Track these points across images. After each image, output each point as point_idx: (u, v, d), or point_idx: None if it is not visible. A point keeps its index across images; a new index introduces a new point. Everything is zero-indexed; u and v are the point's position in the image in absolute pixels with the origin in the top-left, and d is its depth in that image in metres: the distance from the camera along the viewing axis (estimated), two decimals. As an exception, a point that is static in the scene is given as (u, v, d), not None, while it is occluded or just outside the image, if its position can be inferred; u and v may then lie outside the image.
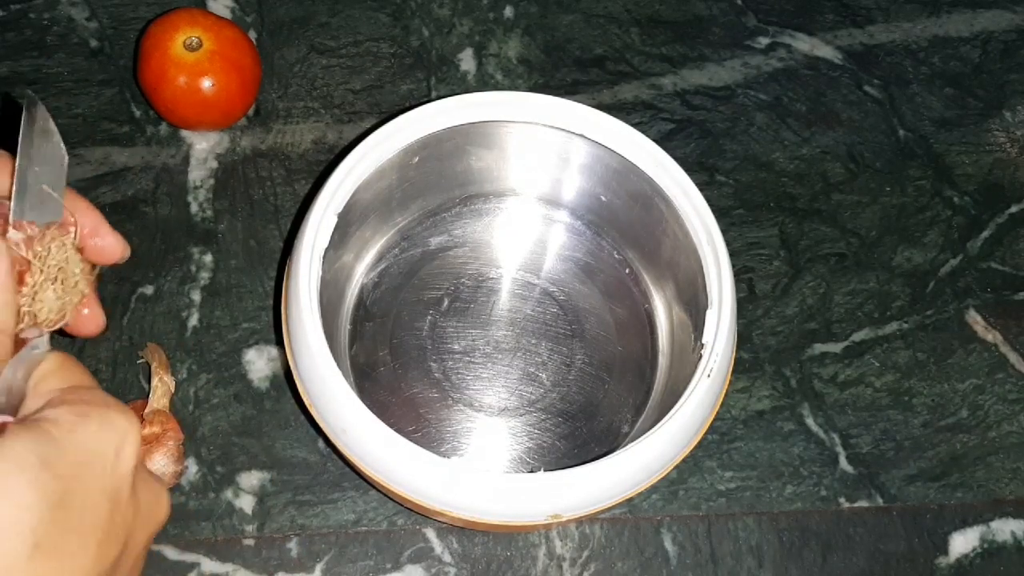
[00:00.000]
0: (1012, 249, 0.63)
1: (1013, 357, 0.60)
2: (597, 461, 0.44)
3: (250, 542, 0.52)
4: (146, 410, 0.51)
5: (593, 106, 0.52)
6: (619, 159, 0.52)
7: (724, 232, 0.50)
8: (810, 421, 0.57)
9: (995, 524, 0.56)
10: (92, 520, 0.31)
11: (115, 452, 0.32)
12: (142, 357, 0.54)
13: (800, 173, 0.64)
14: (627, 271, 0.58)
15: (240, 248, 0.59)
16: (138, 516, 0.33)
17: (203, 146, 0.61)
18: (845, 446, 0.57)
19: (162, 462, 0.49)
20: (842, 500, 0.55)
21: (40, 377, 0.34)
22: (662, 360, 0.55)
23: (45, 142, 0.36)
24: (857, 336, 0.60)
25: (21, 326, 0.35)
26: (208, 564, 0.52)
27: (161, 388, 0.52)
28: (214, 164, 0.61)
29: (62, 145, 0.37)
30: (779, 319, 0.60)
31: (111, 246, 0.39)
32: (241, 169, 0.61)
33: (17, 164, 0.35)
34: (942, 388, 0.58)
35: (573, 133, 0.53)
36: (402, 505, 0.51)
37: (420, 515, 0.52)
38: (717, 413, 0.48)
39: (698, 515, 0.55)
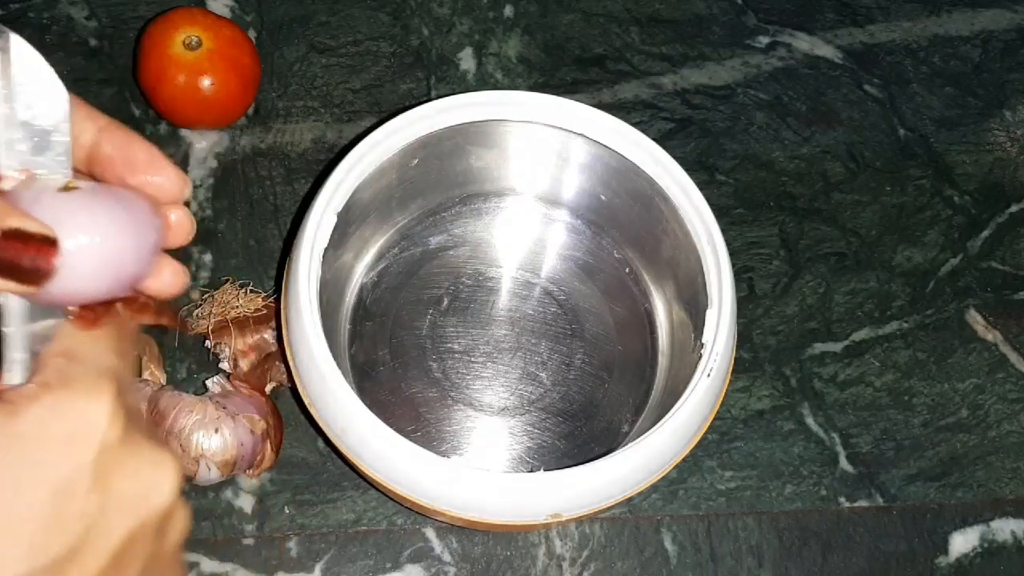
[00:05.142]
0: (1012, 248, 0.63)
1: (1013, 356, 0.60)
2: (597, 461, 0.44)
3: (249, 541, 0.52)
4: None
5: (593, 105, 0.52)
6: (619, 158, 0.52)
7: (724, 231, 0.50)
8: (810, 421, 0.57)
9: (995, 524, 0.56)
10: (24, 513, 0.29)
11: (66, 438, 0.29)
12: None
13: (800, 172, 0.64)
14: (627, 270, 0.58)
15: (240, 247, 0.59)
16: (108, 507, 0.31)
17: (202, 145, 0.61)
18: (845, 446, 0.57)
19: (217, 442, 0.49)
20: (842, 500, 0.55)
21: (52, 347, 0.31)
22: (662, 359, 0.55)
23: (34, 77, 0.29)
24: (857, 336, 0.60)
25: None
26: (207, 564, 0.51)
27: (151, 381, 0.52)
28: (213, 163, 0.61)
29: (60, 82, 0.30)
30: (779, 318, 0.60)
31: (169, 183, 0.33)
32: (240, 168, 0.61)
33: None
34: (942, 388, 0.58)
35: (573, 132, 0.53)
36: (402, 504, 0.51)
37: (420, 514, 0.52)
38: (717, 413, 0.48)
39: (698, 515, 0.55)
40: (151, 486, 0.31)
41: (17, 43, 0.30)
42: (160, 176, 0.32)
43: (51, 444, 0.29)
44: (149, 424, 0.33)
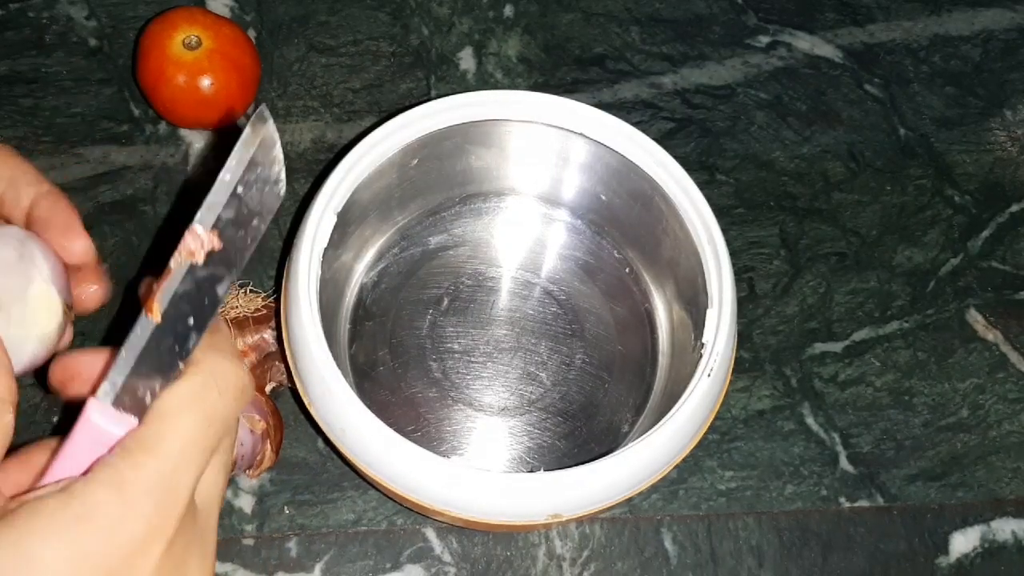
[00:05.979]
0: (1013, 248, 0.63)
1: (1014, 356, 0.60)
2: (597, 461, 0.44)
3: (249, 542, 0.52)
4: None
5: (593, 105, 0.52)
6: (619, 158, 0.52)
7: (724, 231, 0.49)
8: (810, 420, 0.57)
9: (995, 524, 0.56)
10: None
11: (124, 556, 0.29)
12: None
13: (800, 172, 0.64)
14: (627, 270, 0.57)
15: (239, 247, 0.59)
16: None
17: (202, 145, 0.61)
18: (845, 445, 0.57)
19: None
20: (842, 500, 0.55)
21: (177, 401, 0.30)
22: (662, 359, 0.55)
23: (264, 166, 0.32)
24: (858, 335, 0.59)
25: None
26: (207, 564, 0.51)
27: None
28: (213, 163, 0.61)
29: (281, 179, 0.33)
30: (779, 318, 0.60)
31: (80, 250, 0.38)
32: (240, 168, 0.61)
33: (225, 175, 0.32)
34: (943, 387, 0.58)
35: (573, 132, 0.53)
36: (402, 505, 0.51)
37: (420, 515, 0.52)
38: (717, 413, 0.48)
39: (698, 515, 0.54)
40: None
41: (271, 130, 0.32)
42: (72, 242, 0.38)
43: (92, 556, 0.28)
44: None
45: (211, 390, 0.31)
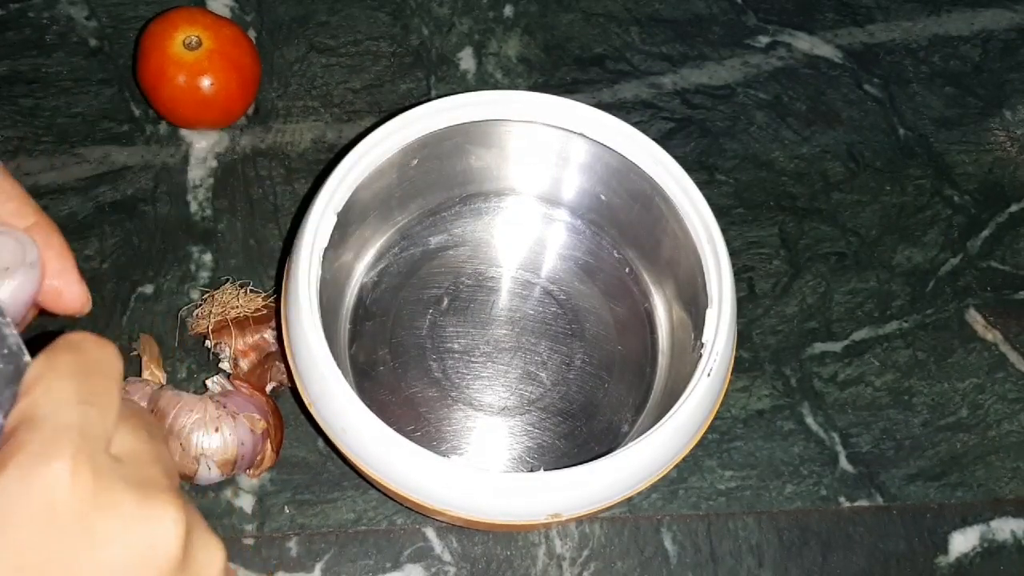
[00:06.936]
0: (1012, 248, 0.63)
1: (1013, 356, 0.60)
2: (597, 460, 0.44)
3: (250, 541, 0.52)
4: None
5: (593, 105, 0.52)
6: (619, 158, 0.52)
7: (724, 231, 0.50)
8: (810, 420, 0.57)
9: (995, 523, 0.56)
10: None
11: (28, 517, 0.26)
12: (135, 350, 0.54)
13: (800, 172, 0.64)
14: (627, 270, 0.58)
15: (240, 247, 0.59)
16: None
17: (203, 145, 0.61)
18: (845, 445, 0.57)
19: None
20: (842, 499, 0.55)
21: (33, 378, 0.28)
22: (662, 359, 0.55)
23: None
24: (857, 335, 0.60)
25: None
26: (208, 563, 0.51)
27: (151, 381, 0.52)
28: (213, 163, 0.61)
29: None
30: (779, 318, 0.60)
31: (73, 297, 0.34)
32: (241, 168, 0.61)
33: None
34: (942, 387, 0.58)
35: (573, 132, 0.53)
36: (402, 504, 0.51)
37: (420, 514, 0.52)
38: (717, 412, 0.48)
39: (698, 514, 0.55)
40: (146, 542, 0.27)
41: None
42: (68, 288, 0.33)
43: (15, 526, 0.26)
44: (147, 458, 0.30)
45: (58, 357, 0.29)
